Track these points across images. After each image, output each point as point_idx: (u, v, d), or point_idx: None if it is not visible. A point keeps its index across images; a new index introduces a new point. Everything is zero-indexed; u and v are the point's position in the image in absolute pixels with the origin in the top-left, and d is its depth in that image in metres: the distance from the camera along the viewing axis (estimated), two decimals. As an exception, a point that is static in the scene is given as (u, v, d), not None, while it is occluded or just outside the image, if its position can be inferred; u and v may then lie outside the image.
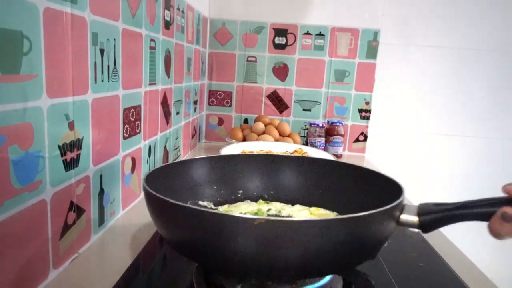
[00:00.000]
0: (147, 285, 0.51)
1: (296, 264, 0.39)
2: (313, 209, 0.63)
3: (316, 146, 1.30)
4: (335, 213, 0.62)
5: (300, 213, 0.62)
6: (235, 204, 0.64)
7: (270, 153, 0.97)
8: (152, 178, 0.50)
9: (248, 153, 0.98)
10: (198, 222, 0.39)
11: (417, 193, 0.90)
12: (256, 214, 0.60)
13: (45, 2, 0.43)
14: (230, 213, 0.59)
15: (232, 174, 0.67)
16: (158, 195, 0.42)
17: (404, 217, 0.45)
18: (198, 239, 0.40)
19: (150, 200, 0.45)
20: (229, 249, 0.39)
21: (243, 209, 0.61)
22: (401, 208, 0.45)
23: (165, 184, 0.54)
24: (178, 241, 0.44)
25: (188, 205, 0.46)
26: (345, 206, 0.62)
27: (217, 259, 0.41)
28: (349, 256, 0.42)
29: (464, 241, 0.75)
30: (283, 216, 0.61)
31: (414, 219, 0.45)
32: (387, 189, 0.54)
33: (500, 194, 0.42)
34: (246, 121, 1.47)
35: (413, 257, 0.59)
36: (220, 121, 1.48)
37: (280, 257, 0.38)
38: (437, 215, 0.45)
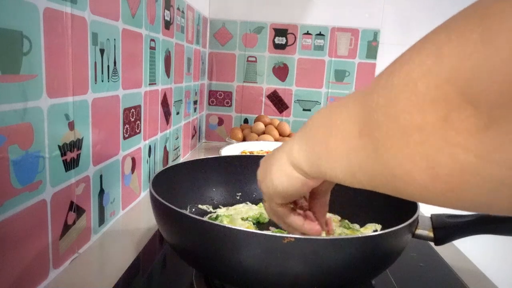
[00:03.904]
0: (147, 285, 0.51)
1: (316, 280, 0.39)
2: None
3: (316, 146, 1.29)
4: (338, 217, 0.61)
5: None
6: (234, 207, 0.64)
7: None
8: (158, 183, 0.49)
9: (248, 154, 0.98)
10: (225, 238, 0.38)
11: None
12: (257, 219, 0.60)
13: (45, 2, 0.43)
14: (234, 218, 0.59)
15: (231, 176, 0.66)
16: (177, 208, 0.41)
17: (419, 231, 0.45)
18: (212, 252, 0.40)
19: (164, 211, 0.44)
20: (247, 265, 0.38)
21: (244, 213, 0.61)
22: (417, 222, 0.45)
23: (168, 188, 0.53)
24: (189, 253, 0.44)
25: (206, 219, 0.45)
26: (346, 209, 0.62)
27: (231, 274, 0.40)
28: (369, 270, 0.42)
29: (464, 240, 0.75)
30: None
31: (430, 232, 0.45)
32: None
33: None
34: (246, 121, 1.47)
35: (413, 257, 0.59)
36: (220, 121, 1.48)
37: (302, 274, 0.38)
38: (452, 229, 0.45)
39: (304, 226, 0.39)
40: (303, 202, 0.43)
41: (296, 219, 0.39)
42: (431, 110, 0.18)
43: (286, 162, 0.33)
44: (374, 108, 0.22)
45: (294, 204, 0.41)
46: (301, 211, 0.41)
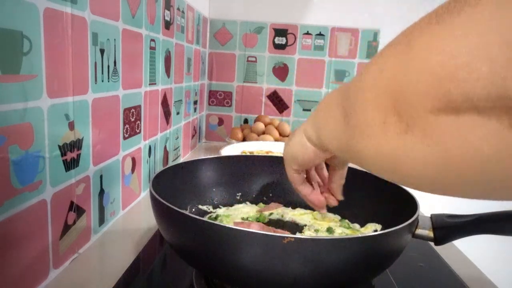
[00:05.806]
0: (147, 285, 0.51)
1: (316, 280, 0.39)
2: (316, 212, 0.62)
3: (316, 146, 1.29)
4: (338, 216, 0.61)
5: (302, 217, 0.61)
6: (234, 207, 0.64)
7: (269, 154, 0.97)
8: (158, 183, 0.49)
9: (248, 154, 0.97)
10: (225, 238, 0.38)
11: (416, 192, 0.90)
12: (257, 219, 0.60)
13: (45, 2, 0.43)
14: (233, 218, 0.59)
15: (231, 176, 0.66)
16: (177, 208, 0.41)
17: (419, 231, 0.46)
18: (212, 252, 0.40)
19: (164, 211, 0.44)
20: (247, 265, 0.38)
21: (244, 213, 0.61)
22: (417, 222, 0.45)
23: (167, 188, 0.53)
24: (189, 253, 0.44)
25: (206, 219, 0.45)
26: (346, 209, 0.61)
27: (231, 274, 0.40)
28: (369, 270, 0.42)
29: (464, 240, 0.75)
30: (286, 221, 0.61)
31: (430, 232, 0.45)
32: (388, 191, 0.54)
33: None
34: (246, 121, 1.47)
35: (413, 257, 0.59)
36: (220, 121, 1.48)
37: (302, 274, 0.38)
38: (452, 229, 0.45)
39: (310, 195, 0.49)
40: (316, 176, 0.52)
41: (305, 188, 0.48)
42: (376, 113, 0.24)
43: (303, 136, 0.42)
44: (349, 108, 0.29)
45: (307, 175, 0.50)
46: (315, 185, 0.50)
